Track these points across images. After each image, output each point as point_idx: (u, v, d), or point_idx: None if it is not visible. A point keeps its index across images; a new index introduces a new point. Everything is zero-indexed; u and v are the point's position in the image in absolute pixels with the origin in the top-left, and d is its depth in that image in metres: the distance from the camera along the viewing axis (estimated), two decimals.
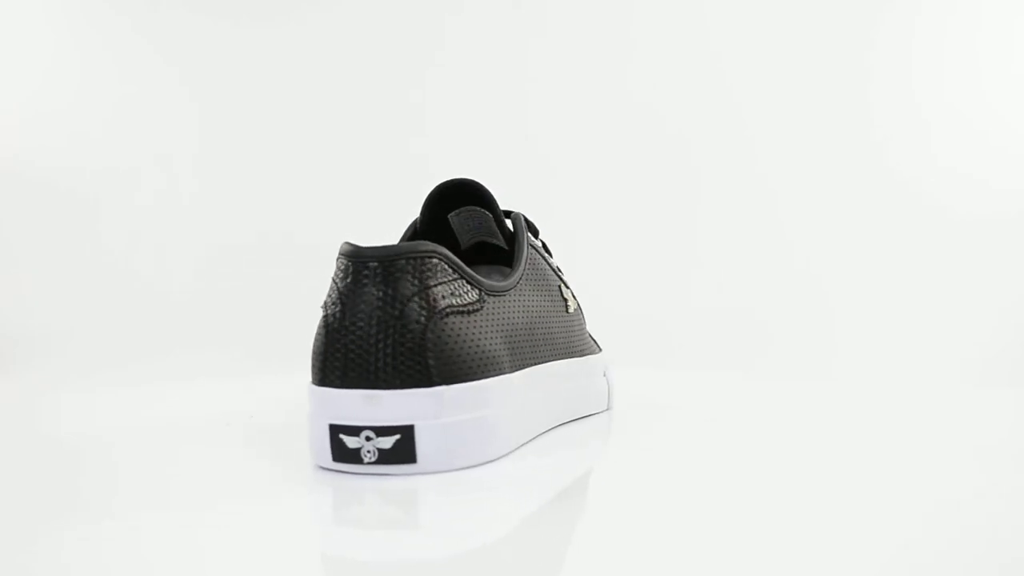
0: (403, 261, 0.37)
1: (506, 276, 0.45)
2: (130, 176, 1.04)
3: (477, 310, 0.40)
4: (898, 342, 0.81)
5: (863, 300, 0.87)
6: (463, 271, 0.39)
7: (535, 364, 0.44)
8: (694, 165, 0.97)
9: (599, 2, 1.02)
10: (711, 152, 0.97)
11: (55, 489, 0.39)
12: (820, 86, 0.96)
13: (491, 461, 0.39)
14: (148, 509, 0.35)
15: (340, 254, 0.38)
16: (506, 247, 0.50)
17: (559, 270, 0.51)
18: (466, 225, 0.50)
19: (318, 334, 0.38)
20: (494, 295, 0.41)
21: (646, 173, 0.98)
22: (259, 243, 1.00)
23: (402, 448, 0.37)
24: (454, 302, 0.38)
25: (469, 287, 0.40)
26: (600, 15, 1.01)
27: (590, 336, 0.54)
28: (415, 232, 0.48)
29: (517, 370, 0.42)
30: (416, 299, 0.37)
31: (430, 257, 0.38)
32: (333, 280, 0.39)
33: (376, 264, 0.37)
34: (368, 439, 0.37)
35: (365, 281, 0.37)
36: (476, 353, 0.39)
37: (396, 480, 0.37)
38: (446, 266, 0.39)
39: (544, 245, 0.51)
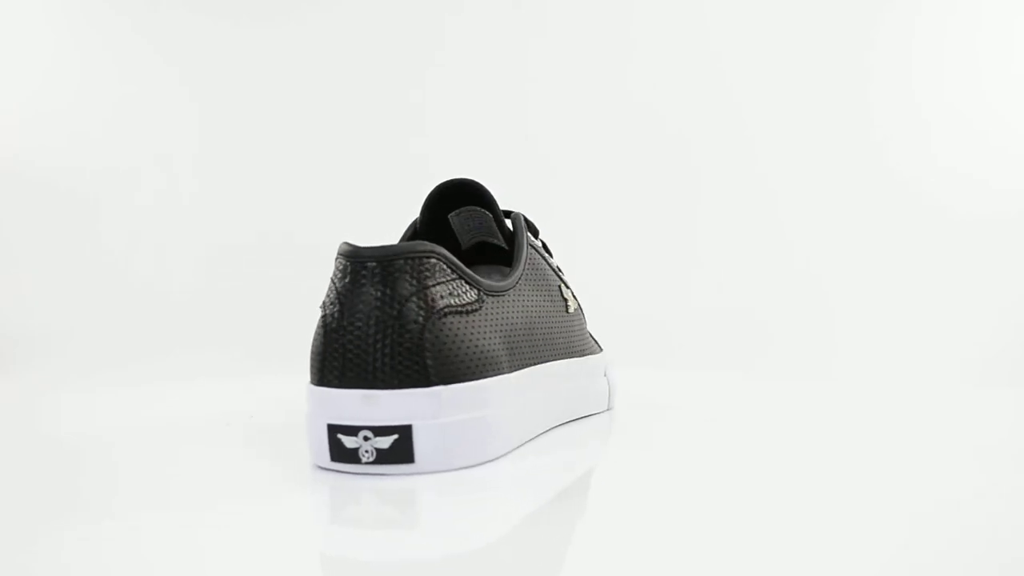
0: (401, 261, 0.37)
1: (506, 276, 0.45)
2: (130, 176, 1.04)
3: (476, 310, 0.40)
4: (898, 342, 0.81)
5: (863, 300, 0.87)
6: (461, 271, 0.39)
7: (534, 364, 0.44)
8: (694, 165, 0.97)
9: (599, 2, 1.02)
10: (711, 152, 0.97)
11: (55, 489, 0.39)
12: (820, 86, 0.96)
13: (490, 461, 0.39)
14: (148, 509, 0.35)
15: (338, 254, 0.38)
16: (506, 247, 0.50)
17: (559, 270, 0.51)
18: (466, 225, 0.50)
19: (316, 334, 0.38)
20: (493, 295, 0.41)
21: (646, 173, 0.98)
22: (259, 243, 1.00)
23: (400, 448, 0.37)
24: (452, 302, 0.38)
25: (468, 287, 0.40)
26: (600, 15, 1.01)
27: (591, 336, 0.54)
28: (415, 232, 0.48)
29: (516, 370, 0.42)
30: (414, 299, 0.37)
31: (428, 257, 0.38)
32: (331, 280, 0.39)
33: (374, 264, 0.37)
34: (366, 439, 0.37)
35: (363, 281, 0.37)
36: (474, 353, 0.39)
37: (394, 480, 0.37)
38: (444, 266, 0.39)
39: (544, 245, 0.51)
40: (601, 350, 0.55)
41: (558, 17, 1.02)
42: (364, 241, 0.40)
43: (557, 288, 0.49)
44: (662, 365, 0.72)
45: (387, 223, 0.54)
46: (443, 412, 0.37)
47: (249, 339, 0.88)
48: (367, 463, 0.37)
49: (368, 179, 1.01)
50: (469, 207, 0.49)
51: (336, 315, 0.37)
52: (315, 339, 0.38)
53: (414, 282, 0.37)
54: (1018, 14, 0.93)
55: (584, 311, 0.53)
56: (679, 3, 1.01)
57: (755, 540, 0.30)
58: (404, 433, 0.37)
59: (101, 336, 0.90)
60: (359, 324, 0.37)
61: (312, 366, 0.38)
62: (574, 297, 0.51)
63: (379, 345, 0.37)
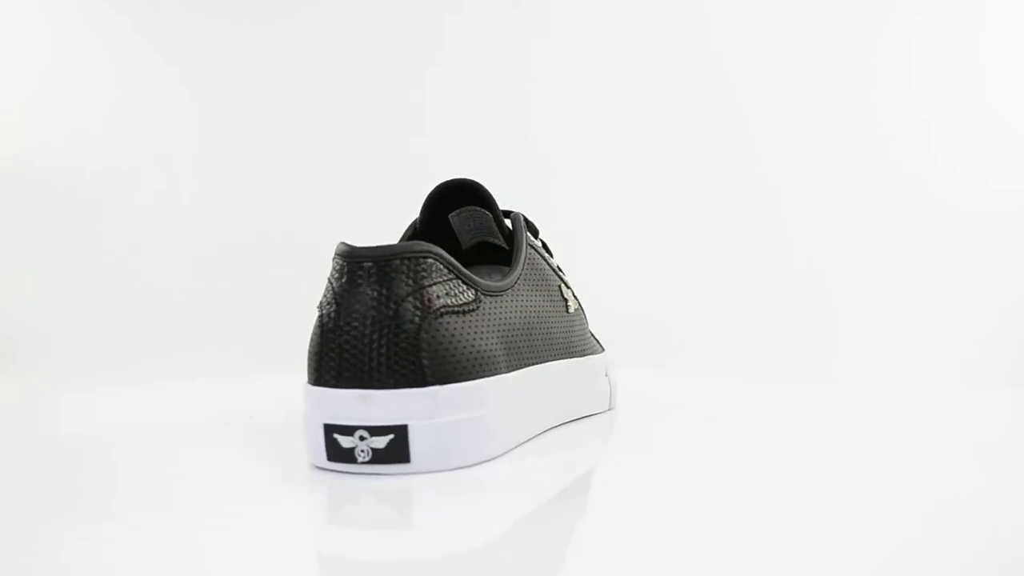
0: (398, 261, 0.37)
1: (506, 276, 0.45)
2: (130, 176, 1.04)
3: (473, 310, 0.40)
4: (898, 342, 0.81)
5: (863, 300, 0.87)
6: (459, 271, 0.39)
7: (533, 364, 0.44)
8: (694, 165, 0.97)
9: (599, 2, 1.02)
10: (711, 152, 0.97)
11: (55, 489, 0.39)
12: (820, 86, 0.96)
13: (487, 461, 0.39)
14: (148, 509, 0.35)
15: (335, 254, 0.39)
16: (507, 247, 0.50)
17: (560, 270, 0.51)
18: (467, 225, 0.50)
19: (313, 334, 0.38)
20: (491, 295, 0.41)
21: (646, 173, 0.98)
22: (259, 243, 1.00)
23: (396, 448, 0.37)
24: (449, 302, 0.38)
25: (465, 287, 0.40)
26: (600, 15, 1.01)
27: (592, 336, 0.54)
28: (415, 232, 0.48)
29: (514, 370, 0.42)
30: (411, 299, 0.37)
31: (425, 257, 0.38)
32: (329, 280, 0.39)
33: (371, 264, 0.37)
34: (362, 439, 0.37)
35: (360, 281, 0.37)
36: (471, 353, 0.39)
37: (391, 480, 0.37)
38: (441, 266, 0.39)
39: (544, 245, 0.51)
40: (603, 350, 0.55)
41: (558, 17, 1.02)
42: (364, 241, 0.40)
43: (557, 288, 0.49)
44: (662, 365, 0.72)
45: (387, 223, 0.54)
46: (439, 412, 0.37)
47: (249, 339, 0.88)
48: (363, 463, 0.37)
49: (368, 179, 1.01)
50: (469, 207, 0.49)
51: (332, 315, 0.38)
52: (312, 339, 0.38)
53: (410, 282, 0.37)
54: (1018, 14, 0.93)
55: (585, 311, 0.53)
56: (679, 3, 1.01)
57: (755, 540, 0.30)
58: (400, 433, 0.37)
59: (101, 336, 0.90)
60: (355, 324, 0.37)
61: (309, 366, 0.39)
62: (575, 297, 0.51)
63: (375, 345, 0.37)
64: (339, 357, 0.37)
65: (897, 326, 0.83)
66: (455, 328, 0.38)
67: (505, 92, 1.02)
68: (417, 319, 0.37)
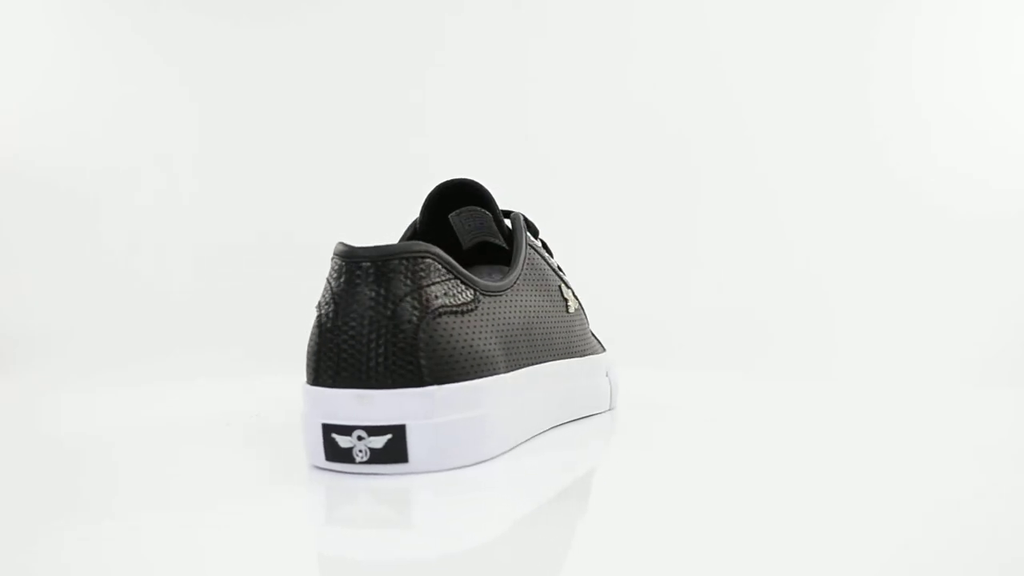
0: (396, 261, 0.37)
1: (505, 276, 0.45)
2: (130, 176, 1.04)
3: (471, 310, 0.40)
4: (898, 342, 0.81)
5: (863, 300, 0.87)
6: (457, 271, 0.39)
7: (533, 364, 0.44)
8: (694, 165, 0.97)
9: (599, 2, 1.02)
10: (711, 152, 0.97)
11: (55, 489, 0.39)
12: (820, 86, 0.96)
13: (486, 461, 0.39)
14: (148, 509, 0.35)
15: (334, 254, 0.39)
16: (507, 247, 0.50)
17: (560, 270, 0.51)
18: (467, 225, 0.50)
19: (312, 334, 0.38)
20: (490, 295, 0.41)
21: (646, 173, 0.98)
22: (259, 243, 1.00)
23: (393, 448, 0.37)
24: (447, 302, 0.38)
25: (463, 287, 0.40)
26: (600, 15, 1.01)
27: (593, 336, 0.54)
28: (415, 232, 0.48)
29: (513, 370, 0.42)
30: (409, 299, 0.37)
31: (423, 257, 0.38)
32: (327, 280, 0.39)
33: (369, 264, 0.37)
34: (360, 438, 0.37)
35: (358, 281, 0.37)
36: (469, 353, 0.39)
37: (389, 479, 0.37)
38: (440, 266, 0.39)
39: (544, 245, 0.51)
40: (604, 350, 0.55)
41: (558, 17, 1.02)
42: (364, 241, 0.40)
43: (557, 288, 0.49)
44: (662, 365, 0.72)
45: (387, 223, 0.54)
46: (437, 412, 0.37)
47: (249, 339, 0.88)
48: (361, 463, 0.37)
49: (368, 179, 1.01)
50: (469, 207, 0.49)
51: (331, 315, 0.38)
52: (310, 339, 0.38)
53: (409, 282, 0.37)
54: (1018, 14, 0.93)
55: (585, 311, 0.53)
56: (679, 3, 1.01)
57: (755, 540, 0.30)
58: (398, 433, 0.37)
59: (101, 336, 0.90)
60: (353, 324, 0.37)
61: (307, 366, 0.39)
62: (575, 297, 0.51)
63: (373, 345, 0.37)
64: (337, 357, 0.37)
65: (897, 326, 0.83)
66: (453, 328, 0.38)
67: (505, 92, 1.02)
68: (415, 319, 0.37)
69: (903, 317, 0.84)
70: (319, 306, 0.38)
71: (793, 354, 0.80)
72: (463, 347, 0.38)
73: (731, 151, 0.97)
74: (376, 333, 0.37)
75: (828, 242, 0.92)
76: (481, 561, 0.29)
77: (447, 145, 1.00)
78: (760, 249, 0.93)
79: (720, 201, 0.96)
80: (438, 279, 0.38)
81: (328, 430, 0.37)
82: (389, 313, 0.37)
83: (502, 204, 0.49)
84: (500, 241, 0.50)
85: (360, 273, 0.37)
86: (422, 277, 0.38)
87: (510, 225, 0.49)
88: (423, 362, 0.37)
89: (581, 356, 0.51)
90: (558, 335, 0.48)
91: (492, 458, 0.40)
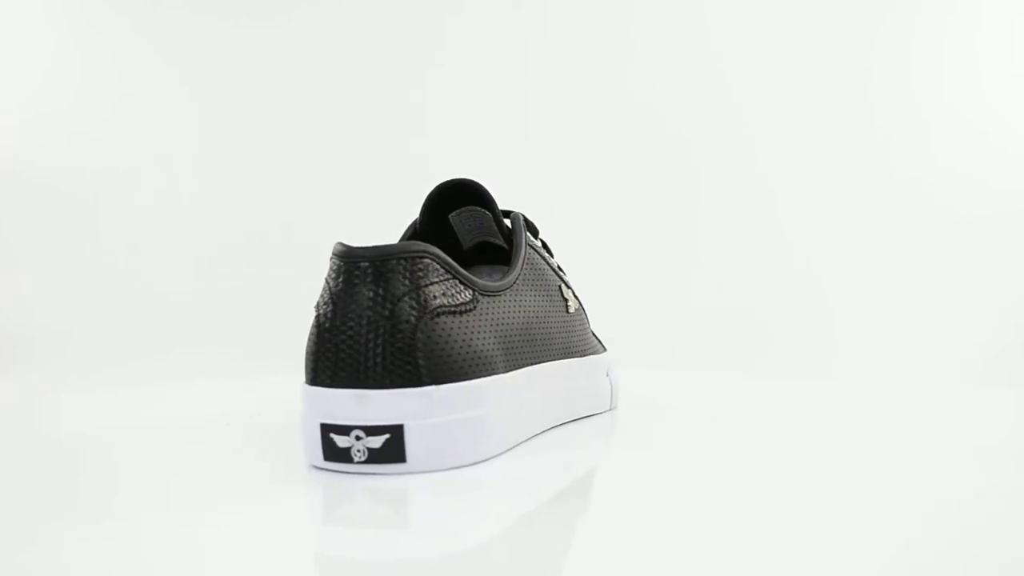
0: (394, 261, 0.37)
1: (504, 276, 0.45)
2: (130, 176, 1.04)
3: (470, 310, 0.40)
4: (898, 342, 0.81)
5: (863, 300, 0.87)
6: (456, 271, 0.39)
7: (532, 364, 0.44)
8: (694, 165, 0.97)
9: (599, 2, 1.02)
10: (711, 152, 0.97)
11: (55, 489, 0.39)
12: (820, 86, 0.96)
13: (484, 461, 0.39)
14: (148, 509, 0.35)
15: (332, 254, 0.39)
16: (507, 247, 0.50)
17: (560, 270, 0.51)
18: (467, 225, 0.50)
19: (310, 334, 0.38)
20: (489, 295, 0.41)
21: (646, 173, 0.98)
22: (259, 243, 1.00)
23: (392, 447, 0.37)
24: (446, 302, 0.38)
25: (462, 287, 0.40)
26: (600, 15, 1.01)
27: (594, 336, 0.54)
28: (415, 232, 0.48)
29: (512, 370, 0.42)
30: (407, 299, 0.37)
31: (422, 257, 0.38)
32: (326, 280, 0.39)
33: (367, 264, 0.37)
34: (358, 438, 0.37)
35: (356, 281, 0.37)
36: (468, 353, 0.39)
37: (388, 479, 0.37)
38: (438, 266, 0.39)
39: (544, 244, 0.51)
40: (604, 350, 0.55)
41: (558, 17, 1.02)
42: (364, 241, 0.40)
43: (557, 288, 0.49)
44: (662, 365, 0.72)
45: (387, 223, 0.54)
46: (435, 412, 0.37)
47: (249, 339, 0.88)
48: (359, 462, 0.37)
49: (368, 179, 1.01)
50: (469, 207, 0.49)
51: (329, 315, 0.38)
52: (309, 339, 0.39)
53: (407, 282, 0.37)
54: (1018, 14, 0.93)
55: (586, 311, 0.53)
56: (679, 3, 1.01)
57: (755, 540, 0.30)
58: (395, 433, 0.37)
59: (101, 336, 0.90)
60: (351, 324, 0.37)
61: (306, 366, 0.39)
62: (575, 297, 0.51)
63: (371, 345, 0.37)
64: (335, 357, 0.37)
65: (897, 326, 0.83)
66: (452, 328, 0.38)
67: (505, 92, 1.02)
68: (413, 319, 0.37)
69: (903, 317, 0.84)
70: (317, 306, 0.38)
71: (793, 354, 0.80)
72: (461, 347, 0.38)
73: (731, 151, 0.97)
74: (374, 333, 0.37)
75: (828, 242, 0.92)
76: (479, 561, 0.29)
77: (447, 145, 1.00)
78: (760, 249, 0.93)
79: (720, 201, 0.96)
80: (436, 279, 0.38)
81: (326, 430, 0.37)
82: (387, 313, 0.37)
83: (502, 204, 0.49)
84: (500, 241, 0.50)
85: (358, 273, 0.37)
86: (420, 277, 0.38)
87: (510, 225, 0.49)
88: (421, 362, 0.37)
89: (581, 356, 0.51)
90: (558, 335, 0.48)
91: (491, 458, 0.40)
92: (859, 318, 0.85)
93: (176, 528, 0.32)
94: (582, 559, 0.29)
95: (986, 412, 0.57)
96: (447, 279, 0.39)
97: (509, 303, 0.43)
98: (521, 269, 0.45)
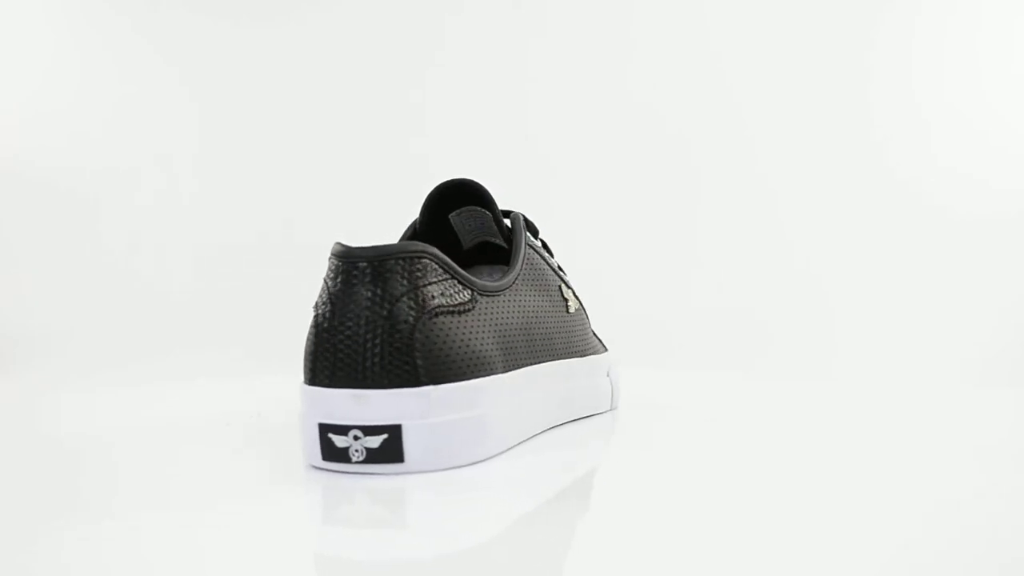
0: (393, 261, 0.37)
1: (504, 276, 0.45)
2: (130, 176, 1.04)
3: (469, 310, 0.40)
4: (898, 342, 0.81)
5: (863, 300, 0.87)
6: (454, 271, 0.39)
7: (531, 364, 0.44)
8: (694, 165, 0.97)
9: (599, 2, 1.02)
10: (711, 152, 0.97)
11: (55, 489, 0.39)
12: (820, 86, 0.96)
13: (483, 461, 0.39)
14: (148, 509, 0.35)
15: (331, 254, 0.39)
16: (507, 247, 0.50)
17: (561, 270, 0.51)
18: (467, 225, 0.50)
19: (309, 334, 0.39)
20: (488, 295, 0.41)
21: (646, 173, 0.98)
22: (259, 243, 1.00)
23: (390, 447, 0.37)
24: (444, 302, 0.38)
25: (461, 287, 0.40)
26: (600, 15, 1.01)
27: (595, 336, 0.54)
28: (415, 232, 0.48)
29: (511, 370, 0.42)
30: (405, 299, 0.37)
31: (420, 257, 0.38)
32: (324, 280, 0.39)
33: (365, 264, 0.37)
34: (356, 438, 0.37)
35: (355, 281, 0.37)
36: (466, 353, 0.39)
37: (386, 479, 0.37)
38: (436, 266, 0.39)
39: (545, 244, 0.51)
40: (605, 350, 0.55)
41: (558, 17, 1.02)
42: (364, 241, 0.40)
43: (557, 288, 0.49)
44: (662, 365, 0.72)
45: (387, 223, 0.54)
46: (433, 412, 0.37)
47: (249, 339, 0.88)
48: (357, 462, 0.37)
49: (368, 179, 1.01)
50: (470, 207, 0.49)
51: (327, 315, 0.38)
52: (307, 339, 0.39)
53: (405, 282, 0.37)
54: (1018, 14, 0.93)
55: (587, 311, 0.53)
56: (679, 3, 1.01)
57: (755, 540, 0.30)
58: (393, 433, 0.37)
59: (101, 336, 0.90)
60: (350, 324, 0.37)
61: (305, 366, 0.39)
62: (575, 297, 0.51)
63: (369, 345, 0.37)
64: (333, 357, 0.37)
65: (897, 326, 0.83)
66: (450, 328, 0.38)
67: (505, 92, 1.02)
68: (411, 319, 0.37)
69: (903, 317, 0.84)
70: (316, 306, 0.38)
71: (793, 354, 0.80)
72: (460, 347, 0.38)
73: (731, 151, 0.97)
74: (372, 333, 0.37)
75: (828, 242, 0.92)
76: (476, 561, 0.29)
77: (447, 145, 1.00)
78: (760, 249, 0.93)
79: (720, 201, 0.96)
80: (435, 279, 0.38)
81: (324, 430, 0.37)
82: (385, 313, 0.37)
83: (502, 204, 0.49)
84: (500, 241, 0.50)
85: (357, 273, 0.37)
86: (419, 277, 0.38)
87: (510, 225, 0.49)
88: (419, 362, 0.37)
89: (581, 356, 0.50)
90: (557, 335, 0.48)
91: (489, 458, 0.40)
92: (859, 318, 0.85)
93: (176, 528, 0.32)
94: (580, 559, 0.29)
95: (986, 412, 0.57)
96: (445, 279, 0.39)
97: (508, 303, 0.43)
98: (520, 269, 0.45)
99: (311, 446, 0.38)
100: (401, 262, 0.38)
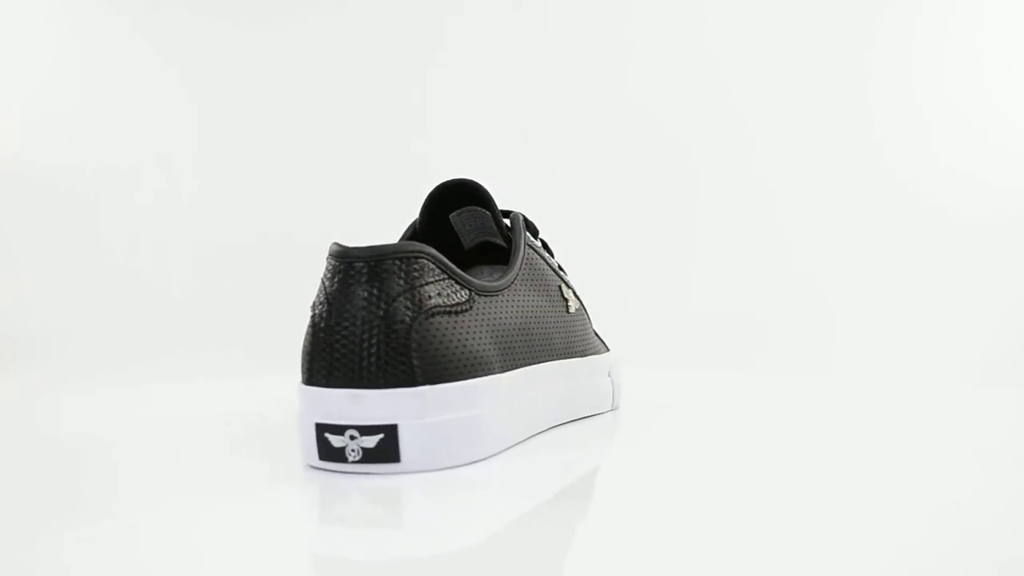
0: (390, 261, 0.38)
1: (502, 276, 0.45)
2: (130, 176, 1.04)
3: (466, 310, 0.40)
4: (898, 342, 0.81)
5: (863, 300, 0.87)
6: (452, 271, 0.39)
7: (530, 364, 0.44)
8: (694, 165, 0.97)
9: (599, 2, 1.02)
10: (711, 152, 0.97)
11: (55, 489, 0.39)
12: (820, 86, 0.96)
13: (480, 461, 0.39)
14: (148, 509, 0.35)
15: (328, 254, 0.39)
16: (508, 247, 0.50)
17: (561, 269, 0.51)
18: (468, 225, 0.50)
19: (306, 334, 0.39)
20: (486, 295, 0.41)
21: (646, 173, 0.98)
22: (259, 243, 1.00)
23: (386, 447, 0.37)
24: (441, 302, 0.38)
25: (458, 287, 0.40)
26: (600, 15, 1.01)
27: (596, 336, 0.54)
28: (414, 232, 0.48)
29: (509, 370, 0.42)
30: (401, 299, 0.37)
31: (418, 257, 0.38)
32: (321, 280, 0.39)
33: (362, 264, 0.37)
34: (352, 438, 0.37)
35: (352, 282, 0.37)
36: (463, 353, 0.39)
37: (382, 479, 0.37)
38: (434, 266, 0.39)
39: (545, 244, 0.51)
40: (607, 350, 0.54)
41: (558, 17, 1.02)
42: (364, 241, 0.40)
43: (557, 288, 0.49)
44: (662, 365, 0.72)
45: (387, 223, 0.54)
46: (429, 412, 0.37)
47: (249, 339, 0.88)
48: (353, 462, 0.37)
49: (368, 179, 1.01)
50: (470, 207, 0.49)
51: (324, 315, 0.38)
52: (305, 339, 0.39)
53: (402, 282, 0.38)
54: (1018, 14, 0.93)
55: (588, 311, 0.53)
56: (679, 3, 1.01)
57: (756, 540, 0.30)
58: (390, 432, 0.37)
59: (101, 336, 0.90)
60: (347, 324, 0.37)
61: (302, 366, 0.39)
62: (576, 297, 0.51)
63: (366, 345, 0.37)
64: (330, 357, 0.37)
65: (897, 326, 0.83)
66: (447, 328, 0.38)
67: (505, 92, 1.02)
68: (408, 319, 0.37)
69: (903, 317, 0.84)
70: (313, 306, 0.39)
71: (793, 354, 0.80)
72: (457, 347, 0.38)
73: (731, 151, 0.97)
74: (369, 333, 0.37)
75: (828, 242, 0.92)
76: (471, 561, 0.29)
77: (447, 145, 1.00)
78: (760, 249, 0.93)
79: (720, 201, 0.96)
80: (432, 279, 0.38)
81: (321, 429, 0.37)
82: (382, 313, 0.37)
83: (502, 204, 0.49)
84: (501, 241, 0.50)
85: (354, 273, 0.37)
86: (416, 277, 0.38)
87: (509, 225, 0.49)
88: (415, 362, 0.37)
89: (582, 356, 0.50)
90: (557, 335, 0.48)
91: (487, 458, 0.40)
92: (859, 318, 0.85)
93: (175, 528, 0.32)
94: (577, 560, 0.29)
95: (986, 412, 0.57)
96: (443, 279, 0.39)
97: (506, 303, 0.43)
98: (520, 269, 0.45)
99: (308, 446, 0.38)
100: (398, 262, 0.38)
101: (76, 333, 0.91)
